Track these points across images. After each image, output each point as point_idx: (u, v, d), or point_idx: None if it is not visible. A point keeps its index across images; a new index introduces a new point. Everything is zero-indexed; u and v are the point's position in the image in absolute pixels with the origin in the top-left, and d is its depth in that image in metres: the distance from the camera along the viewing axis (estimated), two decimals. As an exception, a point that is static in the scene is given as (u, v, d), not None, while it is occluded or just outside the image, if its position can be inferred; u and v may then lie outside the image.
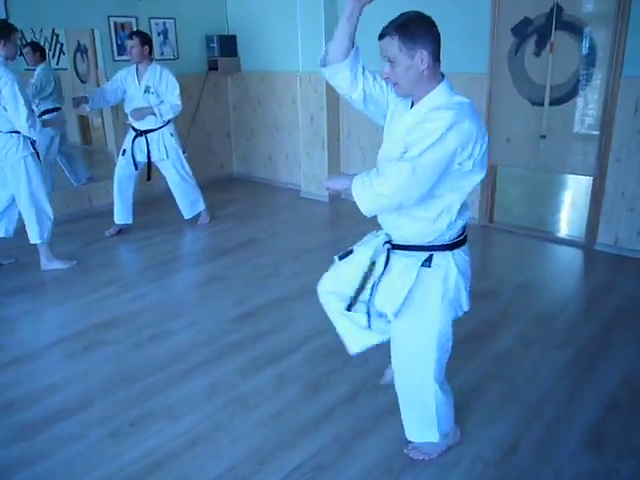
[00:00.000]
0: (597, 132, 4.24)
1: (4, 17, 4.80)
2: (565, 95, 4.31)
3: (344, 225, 5.22)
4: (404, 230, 1.98)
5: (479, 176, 1.86)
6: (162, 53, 6.02)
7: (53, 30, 5.68)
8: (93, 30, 5.62)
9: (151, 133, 4.85)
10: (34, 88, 5.30)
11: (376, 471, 2.22)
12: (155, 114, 4.75)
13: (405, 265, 1.99)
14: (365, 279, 2.04)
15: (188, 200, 5.20)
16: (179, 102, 4.80)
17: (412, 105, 1.92)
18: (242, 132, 6.94)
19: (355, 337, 2.30)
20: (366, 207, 1.80)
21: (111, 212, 5.01)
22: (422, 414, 2.18)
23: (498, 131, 4.72)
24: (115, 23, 5.58)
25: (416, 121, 1.81)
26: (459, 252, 2.00)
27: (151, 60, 4.78)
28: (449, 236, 1.96)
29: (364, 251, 2.06)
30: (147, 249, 4.74)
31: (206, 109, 6.60)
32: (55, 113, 5.51)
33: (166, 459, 2.31)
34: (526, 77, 4.46)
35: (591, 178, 4.44)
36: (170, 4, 6.01)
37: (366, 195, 1.78)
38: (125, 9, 5.65)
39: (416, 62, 1.76)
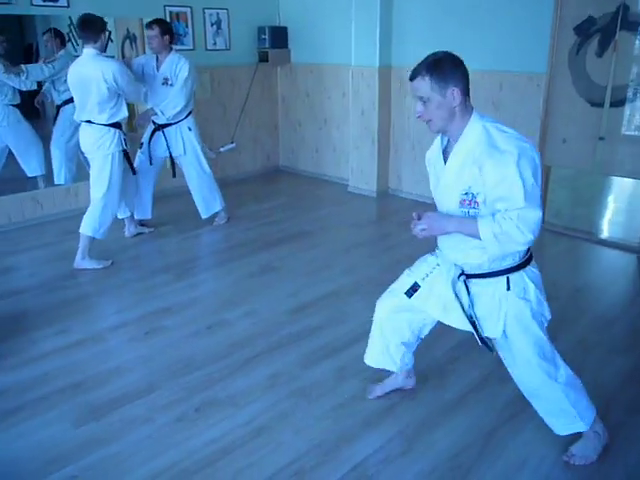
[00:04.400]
0: (660, 135, 4.16)
1: (66, 6, 4.90)
2: (627, 96, 4.23)
3: (392, 221, 5.23)
4: (473, 258, 2.06)
5: None
6: (215, 43, 6.08)
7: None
8: (142, 19, 5.67)
9: (168, 127, 4.60)
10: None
11: (443, 466, 2.23)
12: (157, 114, 4.52)
13: (492, 292, 2.08)
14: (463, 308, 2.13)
15: (204, 199, 4.93)
16: (181, 98, 4.49)
17: (448, 141, 2.04)
18: (289, 124, 6.97)
19: (377, 354, 2.51)
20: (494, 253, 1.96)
21: (158, 200, 5.05)
22: (558, 410, 2.21)
23: (554, 131, 4.65)
24: (171, 12, 5.65)
25: (467, 163, 1.90)
26: (530, 268, 2.10)
27: (170, 50, 4.49)
28: (518, 256, 2.05)
29: (440, 283, 2.14)
30: (197, 239, 4.81)
31: (255, 100, 6.63)
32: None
33: (232, 447, 2.35)
34: (586, 77, 4.38)
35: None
36: (224, -5, 6.07)
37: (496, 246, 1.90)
38: (181, -1, 5.71)
39: (448, 99, 1.86)
